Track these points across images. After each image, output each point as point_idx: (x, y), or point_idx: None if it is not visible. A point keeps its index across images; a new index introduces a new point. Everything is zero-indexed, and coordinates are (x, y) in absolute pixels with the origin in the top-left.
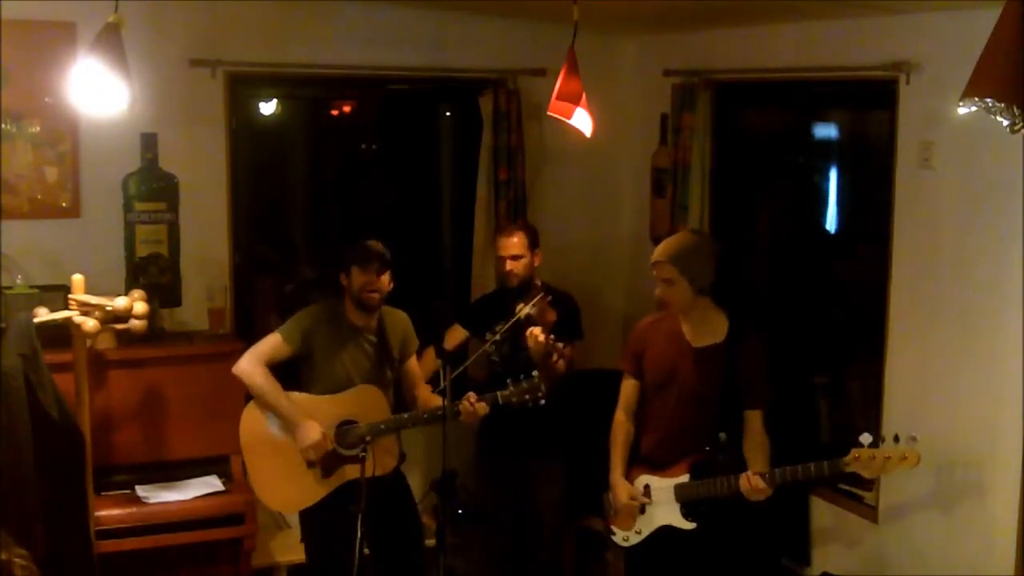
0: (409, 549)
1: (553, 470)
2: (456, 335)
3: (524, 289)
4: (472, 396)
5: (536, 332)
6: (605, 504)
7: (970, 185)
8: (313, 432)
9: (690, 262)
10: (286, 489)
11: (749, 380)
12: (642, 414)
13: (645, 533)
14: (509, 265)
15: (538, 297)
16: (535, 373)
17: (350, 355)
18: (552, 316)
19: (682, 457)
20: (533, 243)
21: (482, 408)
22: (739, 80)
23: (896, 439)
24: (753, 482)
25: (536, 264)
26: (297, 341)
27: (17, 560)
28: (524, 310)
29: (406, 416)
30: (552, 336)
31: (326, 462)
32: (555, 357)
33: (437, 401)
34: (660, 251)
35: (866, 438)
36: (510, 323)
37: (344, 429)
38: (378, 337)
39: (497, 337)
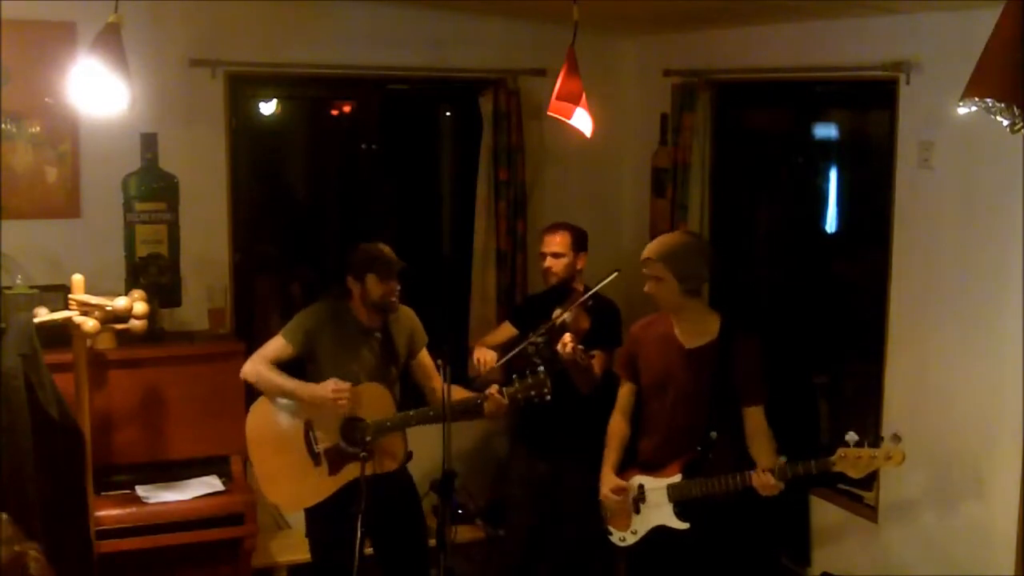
0: (412, 548)
1: (583, 467)
2: (504, 332)
3: (566, 291)
4: (494, 388)
5: (565, 340)
6: (602, 504)
7: (970, 185)
8: (327, 386)
9: (679, 261)
10: (293, 486)
11: (744, 377)
12: (639, 418)
13: (641, 533)
14: (548, 263)
15: (573, 305)
16: (540, 369)
17: (355, 354)
18: (585, 323)
19: (677, 458)
20: (578, 245)
21: (503, 400)
22: (739, 80)
23: (880, 438)
24: (764, 478)
25: (579, 267)
26: (300, 341)
27: (31, 552)
28: (560, 316)
29: (412, 413)
30: (581, 347)
31: (332, 459)
32: (582, 364)
33: (451, 393)
34: (651, 248)
35: (852, 437)
36: (546, 327)
37: (350, 426)
38: (383, 335)
39: (534, 340)
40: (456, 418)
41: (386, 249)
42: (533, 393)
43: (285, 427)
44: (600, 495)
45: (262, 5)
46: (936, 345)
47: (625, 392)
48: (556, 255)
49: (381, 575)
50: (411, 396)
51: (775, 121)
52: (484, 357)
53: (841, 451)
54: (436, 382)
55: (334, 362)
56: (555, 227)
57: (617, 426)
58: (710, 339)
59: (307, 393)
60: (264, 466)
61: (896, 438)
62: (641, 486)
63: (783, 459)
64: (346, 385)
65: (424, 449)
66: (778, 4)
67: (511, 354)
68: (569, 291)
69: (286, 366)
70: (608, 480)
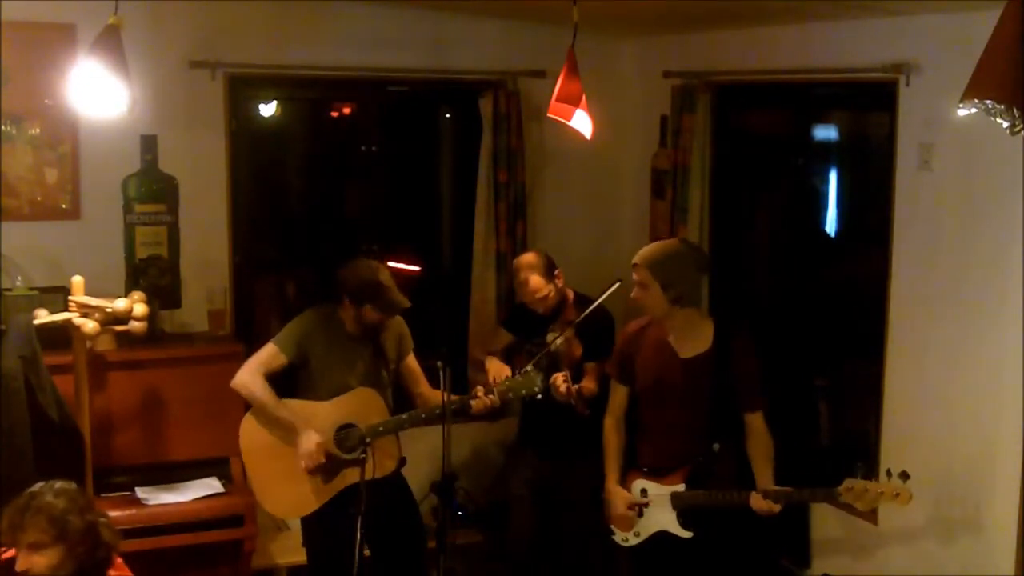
0: (410, 551)
1: (585, 469)
2: (501, 339)
3: (559, 308)
4: (480, 389)
5: (559, 382)
6: (604, 504)
7: (970, 186)
8: (308, 443)
9: (666, 270)
10: (288, 495)
11: (742, 384)
12: (637, 421)
13: (643, 536)
14: (540, 307)
15: (565, 332)
16: (529, 367)
17: (346, 359)
18: (578, 351)
19: (678, 464)
20: (549, 272)
21: (493, 399)
22: (739, 82)
23: (888, 474)
24: (767, 504)
25: (560, 284)
26: (292, 350)
27: (102, 520)
28: (555, 342)
29: (405, 416)
30: (575, 386)
31: (327, 467)
32: (576, 404)
33: (439, 398)
34: (639, 254)
35: (860, 469)
36: (540, 354)
37: (344, 433)
38: (373, 340)
39: (529, 368)
40: (452, 419)
41: (385, 277)
42: (524, 392)
43: (278, 436)
44: (612, 512)
45: (262, 6)
46: (936, 346)
47: (618, 394)
48: (543, 298)
49: None
50: (399, 402)
51: (775, 123)
52: (497, 372)
53: (848, 482)
54: (423, 387)
55: (326, 369)
56: (523, 271)
57: (611, 433)
58: (705, 348)
59: (292, 430)
60: (259, 475)
61: (904, 475)
62: (644, 491)
63: (773, 486)
64: (317, 462)
65: (423, 452)
66: (778, 5)
67: (514, 378)
68: (562, 306)
69: (277, 372)
70: (619, 498)
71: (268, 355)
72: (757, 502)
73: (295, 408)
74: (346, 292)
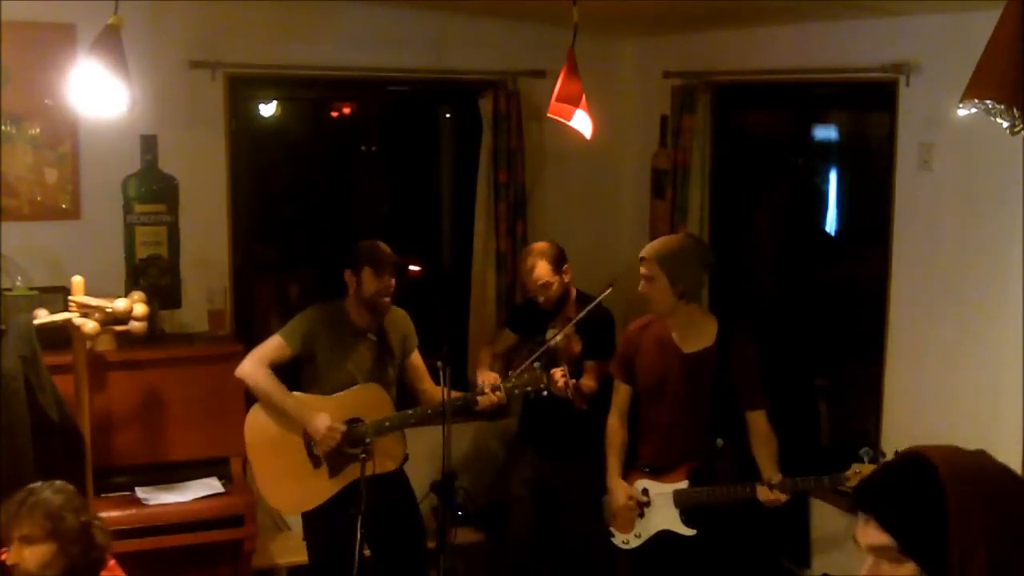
0: (410, 551)
1: (585, 468)
2: (505, 339)
3: (560, 304)
4: (487, 386)
5: (556, 376)
6: (604, 507)
7: (970, 186)
8: (324, 422)
9: (674, 264)
10: (292, 490)
11: (744, 382)
12: (638, 421)
13: (644, 537)
14: (541, 296)
15: (564, 329)
16: (536, 364)
17: (352, 355)
18: (577, 347)
19: (680, 462)
20: (558, 264)
21: (500, 396)
22: (739, 82)
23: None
24: (775, 494)
25: (567, 280)
26: (298, 343)
27: (95, 521)
28: (554, 339)
29: (410, 413)
30: (573, 380)
31: (332, 461)
32: (573, 399)
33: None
34: (647, 248)
35: (866, 453)
36: (540, 351)
37: (349, 428)
38: (378, 336)
39: (530, 362)
40: (453, 417)
41: (383, 245)
42: (529, 388)
43: (284, 430)
44: (613, 505)
45: (262, 6)
46: (936, 346)
47: (621, 393)
48: (545, 285)
49: None
50: (403, 398)
51: (775, 123)
52: (487, 380)
53: (855, 467)
54: (427, 384)
55: (331, 364)
56: (529, 259)
57: (615, 431)
58: (708, 344)
59: (299, 417)
60: (263, 470)
61: None
62: (645, 490)
63: (779, 477)
64: (341, 428)
65: (423, 451)
66: (777, 5)
67: (520, 369)
68: (563, 302)
69: (281, 367)
70: (620, 490)
71: (273, 347)
72: (764, 494)
73: (302, 400)
74: (349, 265)
